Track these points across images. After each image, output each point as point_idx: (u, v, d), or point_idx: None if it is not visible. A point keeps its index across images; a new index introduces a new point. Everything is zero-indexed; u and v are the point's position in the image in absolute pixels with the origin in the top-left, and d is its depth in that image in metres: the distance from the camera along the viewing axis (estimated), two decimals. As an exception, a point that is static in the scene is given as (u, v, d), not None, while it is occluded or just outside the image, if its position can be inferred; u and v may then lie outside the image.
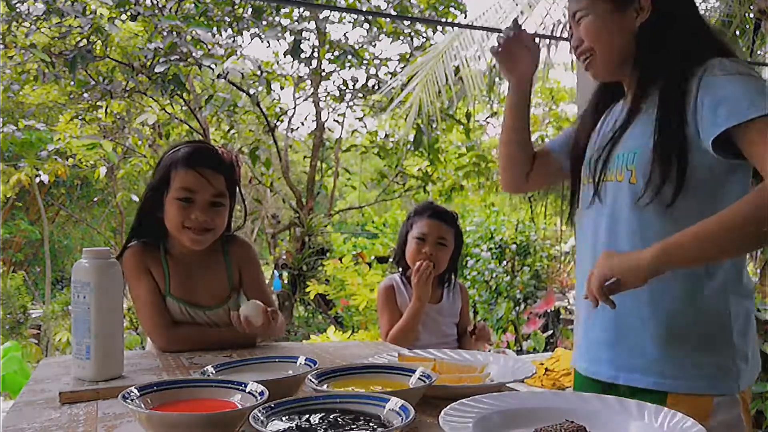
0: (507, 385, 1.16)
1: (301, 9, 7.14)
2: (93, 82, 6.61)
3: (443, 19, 7.64)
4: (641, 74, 1.32)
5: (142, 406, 0.94)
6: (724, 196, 1.24)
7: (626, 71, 1.36)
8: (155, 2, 6.75)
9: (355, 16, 7.48)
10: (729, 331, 1.26)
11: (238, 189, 1.71)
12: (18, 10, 5.90)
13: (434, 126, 7.33)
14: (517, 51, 1.54)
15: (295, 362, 1.23)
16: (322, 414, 0.89)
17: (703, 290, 1.25)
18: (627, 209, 1.29)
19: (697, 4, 1.36)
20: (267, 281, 1.88)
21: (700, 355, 1.25)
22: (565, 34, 5.16)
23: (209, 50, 6.23)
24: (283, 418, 0.87)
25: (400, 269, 2.38)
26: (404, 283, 2.34)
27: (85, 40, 6.07)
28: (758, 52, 4.70)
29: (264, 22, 6.88)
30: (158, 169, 1.65)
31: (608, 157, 1.32)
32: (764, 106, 1.13)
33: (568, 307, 7.12)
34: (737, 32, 4.37)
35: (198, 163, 1.59)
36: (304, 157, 9.81)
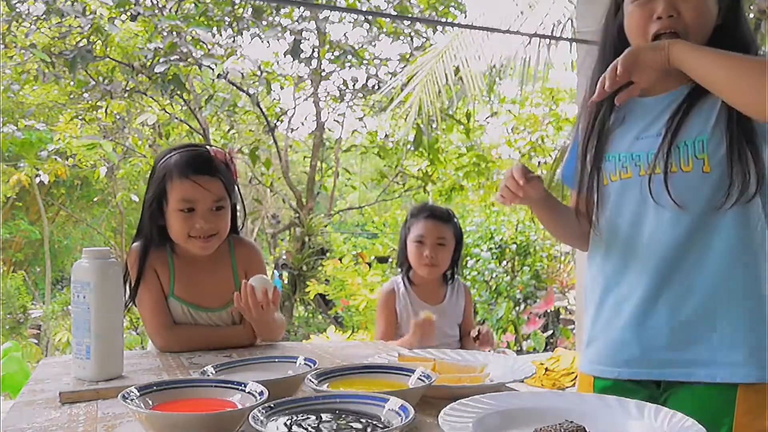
0: (507, 385, 1.16)
1: (301, 9, 7.14)
2: (93, 82, 6.61)
3: (443, 19, 7.64)
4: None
5: (142, 406, 0.94)
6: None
7: None
8: (155, 2, 6.75)
9: (355, 16, 7.48)
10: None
11: (236, 187, 1.71)
12: (18, 10, 5.90)
13: (434, 126, 7.33)
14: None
15: (295, 362, 1.23)
16: (322, 414, 0.90)
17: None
18: (700, 202, 1.24)
19: None
20: (268, 280, 1.87)
21: (758, 338, 1.20)
22: (566, 34, 5.16)
23: (209, 50, 6.24)
24: (283, 418, 0.87)
25: (403, 271, 2.39)
26: (406, 286, 2.35)
27: (85, 40, 6.08)
28: (758, 52, 4.69)
29: (264, 22, 6.89)
30: (153, 180, 1.62)
31: (670, 147, 1.25)
32: None
33: (568, 307, 7.12)
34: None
35: (193, 171, 1.56)
36: (304, 157, 9.81)
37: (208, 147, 1.66)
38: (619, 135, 1.36)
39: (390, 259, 7.81)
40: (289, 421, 0.87)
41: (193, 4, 6.76)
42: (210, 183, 1.57)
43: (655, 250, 1.27)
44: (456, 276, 2.43)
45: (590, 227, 1.43)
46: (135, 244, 1.66)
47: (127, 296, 1.62)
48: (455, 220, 2.39)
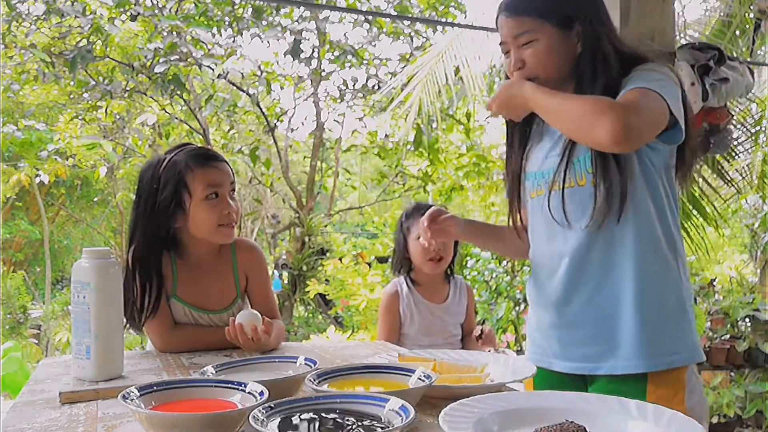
0: (507, 385, 1.16)
1: (301, 9, 7.14)
2: (93, 82, 6.61)
3: (443, 19, 7.63)
4: (583, 90, 1.39)
5: (142, 406, 0.94)
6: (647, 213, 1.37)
7: (566, 87, 1.43)
8: (155, 2, 6.75)
9: (355, 16, 7.48)
10: (685, 305, 1.39)
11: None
12: (18, 10, 5.90)
13: (434, 126, 7.33)
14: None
15: (295, 362, 1.23)
16: (322, 414, 0.89)
17: (668, 270, 1.38)
18: (592, 215, 1.38)
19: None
20: (268, 282, 1.87)
21: (673, 331, 1.36)
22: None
23: (209, 50, 6.23)
24: (283, 418, 0.87)
25: (405, 272, 2.38)
26: (409, 286, 2.35)
27: (85, 40, 6.07)
28: (758, 52, 4.69)
29: (264, 22, 6.89)
30: (166, 181, 1.59)
31: (568, 163, 1.39)
32: (654, 86, 1.28)
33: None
34: (737, 32, 4.37)
35: (210, 159, 1.63)
36: (304, 157, 9.81)
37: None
38: (534, 154, 1.50)
39: (390, 259, 7.80)
40: (290, 421, 0.87)
41: (193, 4, 6.75)
42: (225, 167, 1.65)
43: (563, 262, 1.43)
44: (454, 273, 2.45)
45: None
46: (135, 254, 1.63)
47: (140, 310, 1.59)
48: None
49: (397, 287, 2.35)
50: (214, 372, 1.15)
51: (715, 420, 4.19)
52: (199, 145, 1.73)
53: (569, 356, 1.45)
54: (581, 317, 1.42)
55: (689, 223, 4.05)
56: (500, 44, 1.47)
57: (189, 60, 6.10)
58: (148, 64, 6.26)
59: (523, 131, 1.53)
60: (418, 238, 2.29)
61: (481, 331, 2.34)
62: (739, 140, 4.46)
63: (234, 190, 1.68)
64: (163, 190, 1.60)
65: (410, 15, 7.48)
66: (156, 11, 6.50)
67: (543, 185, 1.45)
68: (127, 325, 1.60)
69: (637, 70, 1.35)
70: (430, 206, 2.42)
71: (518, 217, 1.57)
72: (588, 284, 1.40)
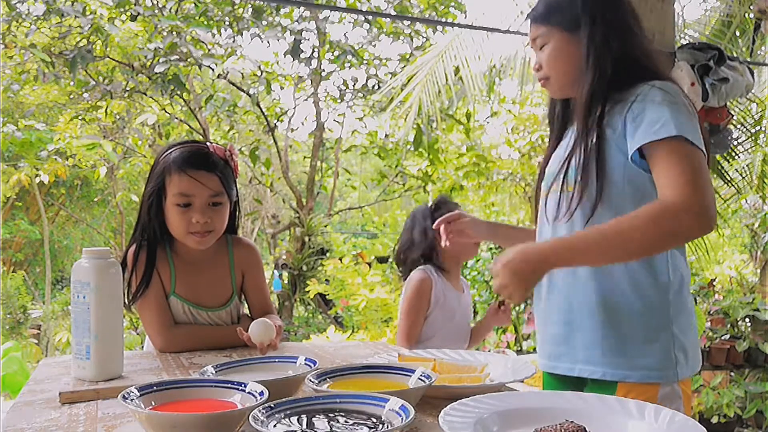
0: (507, 385, 1.16)
1: (301, 9, 7.13)
2: (93, 82, 6.60)
3: (443, 19, 7.63)
4: (585, 95, 1.40)
5: (142, 406, 0.94)
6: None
7: (577, 90, 1.45)
8: (155, 2, 6.75)
9: (355, 16, 7.48)
10: (669, 323, 1.35)
11: (235, 183, 1.70)
12: (18, 10, 5.89)
13: (434, 126, 7.33)
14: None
15: (295, 362, 1.23)
16: (322, 414, 0.90)
17: (646, 284, 1.35)
18: (564, 218, 1.40)
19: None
20: (267, 281, 1.87)
21: (644, 346, 1.35)
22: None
23: (209, 50, 6.23)
24: (283, 418, 0.87)
25: (433, 260, 2.41)
26: (439, 273, 2.39)
27: (85, 40, 6.07)
28: (758, 52, 4.70)
29: (264, 22, 6.88)
30: (153, 174, 1.63)
31: (567, 169, 1.41)
32: (673, 128, 1.25)
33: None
34: (737, 32, 4.37)
35: (190, 166, 1.57)
36: (304, 157, 9.81)
37: (208, 143, 1.67)
38: (552, 158, 1.53)
39: (390, 259, 7.80)
40: (289, 421, 0.87)
41: (193, 4, 6.75)
42: (207, 178, 1.58)
43: None
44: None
45: None
46: (133, 246, 1.66)
47: (130, 294, 1.62)
48: None
49: (428, 273, 2.37)
50: (214, 372, 1.15)
51: (715, 420, 4.19)
52: (200, 145, 1.66)
53: (542, 353, 1.50)
54: (551, 317, 1.46)
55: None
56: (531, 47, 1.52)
57: (189, 60, 6.10)
58: (148, 64, 6.26)
59: (560, 131, 1.55)
60: None
61: (503, 301, 2.40)
62: (739, 140, 4.46)
63: (217, 203, 1.60)
64: (149, 185, 1.63)
65: (410, 15, 7.48)
66: (156, 11, 6.50)
67: (545, 187, 1.49)
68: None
69: (648, 99, 1.31)
70: (456, 204, 2.47)
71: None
72: (557, 285, 1.43)
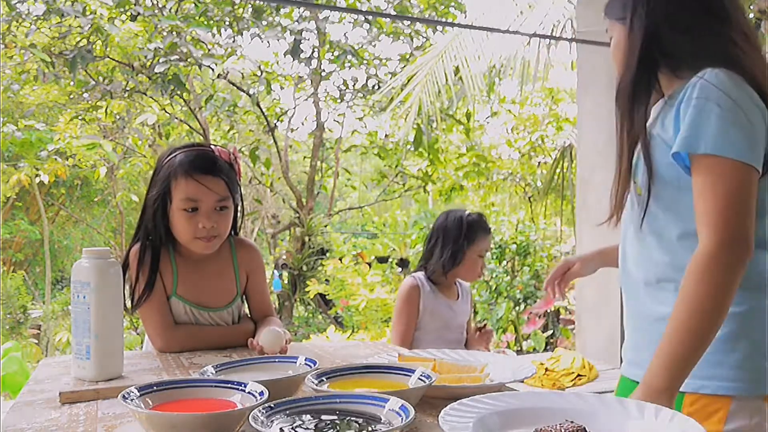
0: (507, 385, 1.16)
1: (301, 9, 7.14)
2: (93, 82, 6.60)
3: (443, 19, 7.63)
4: (628, 86, 1.33)
5: (142, 406, 0.94)
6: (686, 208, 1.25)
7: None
8: (155, 2, 6.75)
9: (355, 16, 7.48)
10: (749, 328, 1.23)
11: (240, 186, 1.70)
12: (18, 10, 5.89)
13: (434, 126, 7.33)
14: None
15: (295, 362, 1.23)
16: (322, 414, 0.90)
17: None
18: (634, 221, 1.34)
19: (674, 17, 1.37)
20: (266, 281, 1.87)
21: (718, 354, 1.21)
22: (566, 34, 5.16)
23: (209, 50, 6.23)
24: (283, 418, 0.87)
25: (427, 270, 2.41)
26: (428, 284, 2.38)
27: (85, 40, 6.07)
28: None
29: (264, 22, 6.88)
30: (157, 178, 1.62)
31: (637, 166, 1.33)
32: (710, 144, 1.16)
33: (568, 307, 7.11)
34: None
35: (197, 171, 1.56)
36: (304, 157, 9.81)
37: (212, 146, 1.65)
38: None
39: (390, 259, 7.80)
40: (290, 421, 0.87)
41: (193, 4, 6.75)
42: (213, 183, 1.57)
43: (621, 264, 1.42)
44: None
45: None
46: (135, 245, 1.66)
47: (134, 299, 1.62)
48: None
49: (418, 281, 2.37)
50: (214, 372, 1.15)
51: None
52: (205, 149, 1.65)
53: (624, 358, 1.45)
54: (628, 323, 1.41)
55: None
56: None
57: (189, 60, 6.10)
58: (148, 64, 6.26)
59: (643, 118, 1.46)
60: (479, 256, 2.38)
61: (484, 325, 2.42)
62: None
63: (224, 207, 1.60)
64: (153, 188, 1.62)
65: (410, 15, 7.48)
66: (156, 11, 6.50)
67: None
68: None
69: (693, 98, 1.20)
70: (486, 222, 2.47)
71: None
72: (629, 292, 1.39)
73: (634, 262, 1.35)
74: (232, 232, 1.73)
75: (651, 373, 1.16)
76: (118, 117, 7.48)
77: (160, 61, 5.96)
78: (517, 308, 6.71)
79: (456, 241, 2.36)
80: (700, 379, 1.21)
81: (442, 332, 2.36)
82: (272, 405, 0.89)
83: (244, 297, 1.78)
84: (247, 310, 1.80)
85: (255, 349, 1.50)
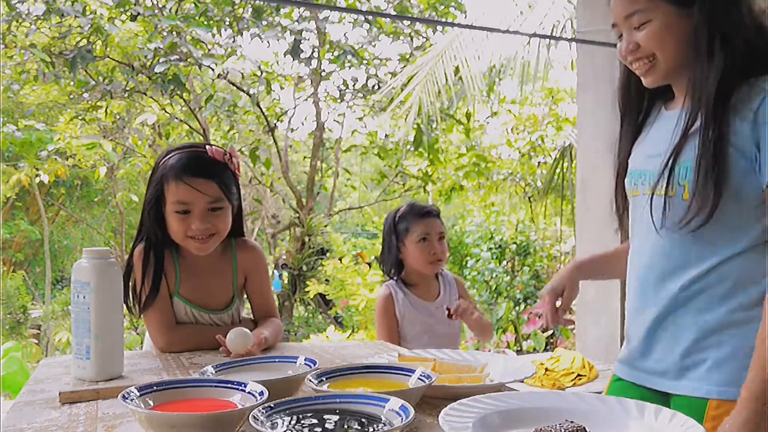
0: (507, 385, 1.16)
1: (301, 9, 7.13)
2: (93, 82, 6.60)
3: (443, 19, 7.63)
4: (696, 81, 1.24)
5: (142, 406, 0.94)
6: (747, 230, 1.21)
7: (682, 76, 1.29)
8: (155, 2, 6.75)
9: (355, 16, 7.47)
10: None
11: (237, 184, 1.68)
12: (18, 10, 5.89)
13: (434, 126, 7.33)
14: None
15: (295, 362, 1.23)
16: (322, 414, 0.89)
17: (747, 295, 1.23)
18: (672, 227, 1.26)
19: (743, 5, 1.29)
20: (269, 282, 1.86)
21: (748, 359, 1.18)
22: (566, 34, 5.15)
23: (209, 50, 6.23)
24: (283, 418, 0.87)
25: (396, 275, 2.37)
26: (402, 288, 2.34)
27: (85, 40, 6.07)
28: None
29: (264, 22, 6.88)
30: (152, 180, 1.62)
31: (672, 169, 1.25)
32: None
33: (568, 307, 7.10)
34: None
35: (187, 174, 1.56)
36: (304, 157, 9.81)
37: (207, 146, 1.65)
38: (638, 151, 1.39)
39: (380, 262, 7.78)
40: (290, 421, 0.87)
41: (193, 4, 6.75)
42: (205, 185, 1.56)
43: (640, 270, 1.34)
44: (444, 270, 2.45)
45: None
46: (139, 246, 1.65)
47: (140, 300, 1.61)
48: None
49: (391, 289, 2.34)
50: (214, 372, 1.15)
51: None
52: (198, 151, 1.63)
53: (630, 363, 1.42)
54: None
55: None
56: (612, 27, 1.32)
57: (189, 60, 6.10)
58: (148, 64, 6.26)
59: (634, 123, 1.41)
60: (420, 240, 2.28)
61: (447, 309, 2.27)
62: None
63: (217, 208, 1.59)
64: (148, 191, 1.63)
65: (410, 15, 7.48)
66: (156, 11, 6.50)
67: (639, 186, 1.35)
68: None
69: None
70: (424, 206, 2.42)
71: (623, 216, 1.45)
72: (656, 299, 1.32)
73: (668, 269, 1.28)
74: (234, 235, 1.73)
75: (760, 383, 1.11)
76: (118, 117, 7.48)
77: (160, 61, 5.96)
78: (517, 308, 6.71)
79: (389, 240, 2.35)
80: (729, 386, 1.20)
81: (431, 334, 2.30)
82: (272, 405, 0.89)
83: (247, 298, 1.77)
84: (250, 313, 1.80)
85: (222, 344, 1.50)
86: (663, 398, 1.29)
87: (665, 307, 1.29)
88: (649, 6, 1.24)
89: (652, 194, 1.27)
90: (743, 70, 1.20)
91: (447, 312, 2.28)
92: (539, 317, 1.57)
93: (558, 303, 1.49)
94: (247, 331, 1.50)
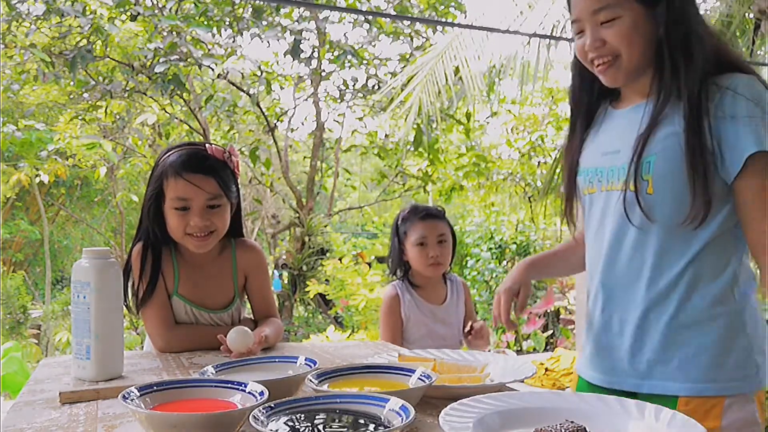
0: (507, 385, 1.16)
1: (301, 9, 7.13)
2: (93, 82, 6.60)
3: (443, 19, 7.63)
4: (663, 80, 1.27)
5: (142, 406, 0.94)
6: (710, 222, 1.25)
7: (645, 75, 1.31)
8: (155, 2, 6.75)
9: (355, 16, 7.48)
10: (742, 327, 1.25)
11: (236, 183, 1.68)
12: (18, 10, 5.89)
13: (434, 126, 7.33)
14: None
15: (295, 362, 1.23)
16: (322, 414, 0.90)
17: (713, 290, 1.25)
18: (640, 222, 1.27)
19: (700, 4, 1.34)
20: (269, 281, 1.86)
21: (717, 357, 1.24)
22: (566, 34, 5.15)
23: (209, 50, 6.23)
24: (283, 418, 0.87)
25: (402, 275, 2.37)
26: (408, 289, 2.34)
27: (85, 40, 6.07)
28: (758, 52, 4.69)
29: (264, 22, 6.88)
30: (152, 177, 1.63)
31: (638, 165, 1.26)
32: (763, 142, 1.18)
33: (568, 307, 7.12)
34: (737, 32, 4.37)
35: (186, 170, 1.57)
36: (304, 157, 9.81)
37: (206, 144, 1.66)
38: (590, 149, 1.41)
39: (387, 262, 7.78)
40: (290, 421, 0.87)
41: (193, 4, 6.75)
42: (204, 181, 1.57)
43: (603, 267, 1.35)
44: (451, 273, 2.44)
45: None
46: (137, 245, 1.66)
47: (138, 297, 1.62)
48: (445, 216, 2.42)
49: (397, 290, 2.34)
50: (214, 372, 1.15)
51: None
52: (198, 148, 1.64)
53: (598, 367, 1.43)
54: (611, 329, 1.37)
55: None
56: (573, 23, 1.31)
57: (189, 60, 6.10)
58: (148, 64, 6.26)
59: (585, 122, 1.43)
60: (418, 244, 2.29)
61: (471, 327, 2.29)
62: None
63: (216, 205, 1.59)
64: (148, 188, 1.64)
65: (410, 15, 7.48)
66: (156, 11, 6.50)
67: (596, 183, 1.37)
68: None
69: (732, 93, 1.20)
70: (426, 208, 2.42)
71: (572, 215, 1.48)
72: (625, 294, 1.34)
73: (635, 266, 1.30)
74: (234, 235, 1.73)
75: None
76: (118, 117, 7.49)
77: (160, 61, 5.96)
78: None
79: (393, 242, 2.36)
80: (698, 383, 1.23)
81: (434, 336, 2.29)
82: (272, 405, 0.89)
83: (247, 298, 1.78)
84: (250, 312, 1.80)
85: (222, 344, 1.50)
86: (629, 398, 1.29)
87: (633, 307, 1.31)
88: (619, 2, 1.25)
89: (624, 190, 1.28)
90: (708, 70, 1.25)
91: (470, 328, 2.28)
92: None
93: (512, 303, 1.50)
94: (248, 329, 1.50)
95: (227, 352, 1.48)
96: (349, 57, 7.32)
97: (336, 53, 7.43)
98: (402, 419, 0.84)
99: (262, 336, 1.53)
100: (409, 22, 7.67)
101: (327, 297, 7.00)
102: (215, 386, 1.02)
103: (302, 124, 12.36)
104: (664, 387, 1.26)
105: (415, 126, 6.86)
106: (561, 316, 7.13)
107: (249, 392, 0.97)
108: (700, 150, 1.21)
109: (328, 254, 7.96)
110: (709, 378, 1.23)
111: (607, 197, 1.33)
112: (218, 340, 1.53)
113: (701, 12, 1.32)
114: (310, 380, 1.05)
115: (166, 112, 7.37)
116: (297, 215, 8.17)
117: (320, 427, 0.86)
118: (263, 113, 7.58)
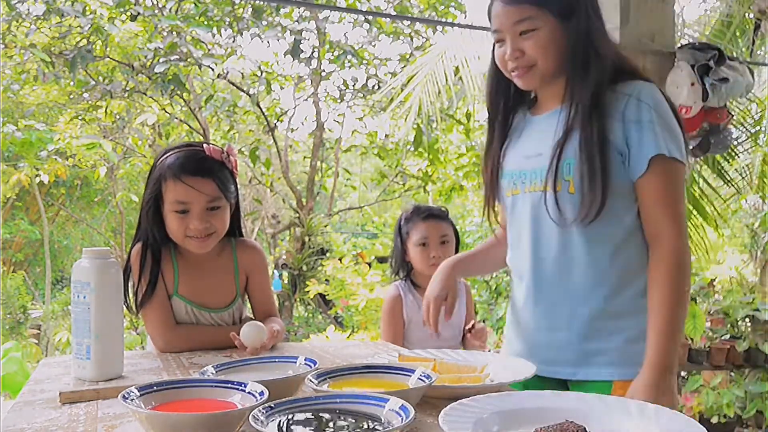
0: (507, 385, 1.16)
1: (301, 9, 7.13)
2: (93, 82, 6.60)
3: (443, 19, 7.63)
4: (575, 88, 1.38)
5: (142, 406, 0.94)
6: (623, 218, 1.38)
7: (558, 81, 1.42)
8: (155, 2, 6.75)
9: (355, 16, 7.47)
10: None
11: (235, 183, 1.67)
12: (18, 10, 5.89)
13: (434, 126, 7.32)
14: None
15: (295, 362, 1.23)
16: (322, 414, 0.90)
17: (639, 282, 1.38)
18: (561, 221, 1.38)
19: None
20: (269, 281, 1.87)
21: (639, 343, 1.34)
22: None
23: (209, 50, 6.23)
24: (283, 419, 0.87)
25: (404, 275, 2.37)
26: (411, 290, 2.34)
27: (85, 40, 6.07)
28: (758, 52, 4.69)
29: (264, 22, 6.88)
30: (150, 179, 1.62)
31: (557, 166, 1.37)
32: (666, 146, 1.32)
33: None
34: (737, 32, 4.37)
35: (185, 173, 1.56)
36: (304, 157, 9.81)
37: (204, 145, 1.65)
38: (512, 153, 1.50)
39: (389, 262, 7.78)
40: (290, 421, 0.87)
41: (193, 4, 6.75)
42: (203, 184, 1.57)
43: (532, 265, 1.45)
44: None
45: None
46: (137, 245, 1.66)
47: (138, 298, 1.62)
48: (449, 216, 2.41)
49: (399, 290, 2.34)
50: (214, 372, 1.15)
51: (715, 420, 4.19)
52: (196, 150, 1.63)
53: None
54: (540, 323, 1.48)
55: (689, 223, 4.06)
56: (493, 32, 1.42)
57: (189, 60, 6.10)
58: (148, 64, 6.25)
59: (503, 126, 1.53)
60: (420, 244, 2.29)
61: (473, 325, 2.30)
62: (739, 140, 4.46)
63: (215, 207, 1.59)
64: (147, 190, 1.63)
65: (410, 15, 7.47)
66: (156, 11, 6.50)
67: (519, 185, 1.46)
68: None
69: (635, 100, 1.35)
70: (429, 208, 2.42)
71: (493, 214, 1.59)
72: (552, 290, 1.45)
73: (564, 262, 1.40)
74: (233, 235, 1.73)
75: (660, 354, 1.29)
76: (118, 117, 7.48)
77: (160, 61, 5.96)
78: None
79: (396, 242, 2.37)
80: (631, 367, 1.34)
81: (428, 340, 2.31)
82: (272, 405, 0.89)
83: (247, 298, 1.77)
84: (250, 312, 1.80)
85: (235, 341, 1.50)
86: (561, 386, 1.42)
87: (564, 302, 1.41)
88: (538, 14, 1.35)
89: (545, 191, 1.38)
90: (612, 78, 1.37)
91: (471, 327, 2.29)
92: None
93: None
94: (261, 324, 1.50)
95: (242, 348, 1.48)
96: (349, 57, 7.32)
97: (336, 53, 7.43)
98: (402, 419, 0.84)
99: (275, 331, 1.54)
100: (409, 22, 7.66)
101: (327, 297, 7.00)
102: (215, 386, 1.02)
103: (302, 124, 12.36)
104: (599, 373, 1.37)
105: (415, 126, 6.85)
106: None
107: (249, 392, 0.97)
108: (600, 149, 1.32)
109: (328, 254, 7.96)
110: (640, 362, 1.32)
111: (531, 198, 1.43)
112: (227, 340, 1.53)
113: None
114: (310, 380, 1.05)
115: (166, 112, 7.37)
116: (297, 215, 8.16)
117: (320, 427, 0.86)
118: (263, 113, 7.58)
